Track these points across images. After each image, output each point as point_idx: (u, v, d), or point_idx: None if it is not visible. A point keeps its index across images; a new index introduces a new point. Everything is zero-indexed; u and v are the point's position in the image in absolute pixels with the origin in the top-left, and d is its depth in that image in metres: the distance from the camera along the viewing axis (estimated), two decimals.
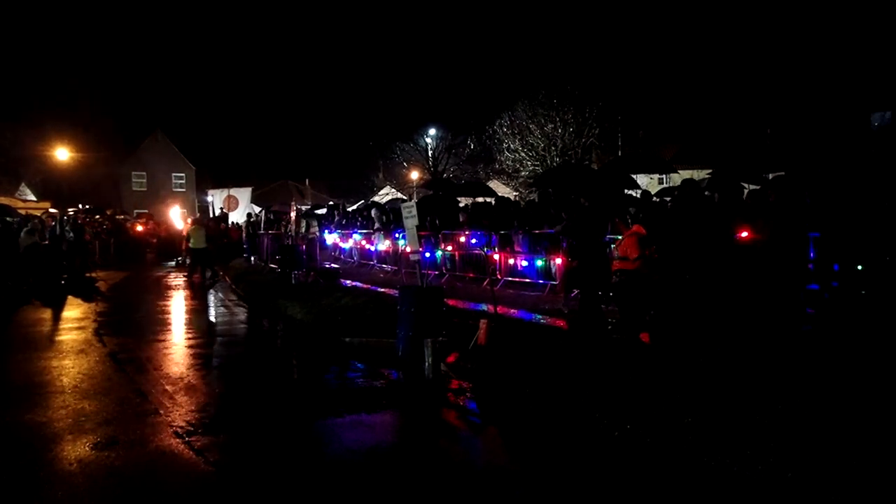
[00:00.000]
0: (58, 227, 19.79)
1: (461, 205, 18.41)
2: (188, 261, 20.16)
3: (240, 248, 25.25)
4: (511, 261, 13.01)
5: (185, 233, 20.94)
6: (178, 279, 19.73)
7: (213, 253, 19.64)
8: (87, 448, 5.26)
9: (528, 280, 12.54)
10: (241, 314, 13.33)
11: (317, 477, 4.86)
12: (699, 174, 22.85)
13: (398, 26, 71.77)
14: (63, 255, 17.98)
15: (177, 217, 27.92)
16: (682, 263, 7.46)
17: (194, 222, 20.89)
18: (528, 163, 36.53)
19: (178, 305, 14.70)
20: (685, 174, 21.84)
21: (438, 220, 15.52)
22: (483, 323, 7.90)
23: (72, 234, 19.88)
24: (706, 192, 9.82)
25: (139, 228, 31.32)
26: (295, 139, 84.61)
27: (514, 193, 35.11)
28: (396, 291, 9.29)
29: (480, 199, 20.91)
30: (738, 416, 5.04)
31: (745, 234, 7.57)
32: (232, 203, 31.97)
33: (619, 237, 8.35)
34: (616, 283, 8.17)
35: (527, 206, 16.07)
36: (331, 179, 53.51)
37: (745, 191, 10.88)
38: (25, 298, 14.67)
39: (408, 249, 11.61)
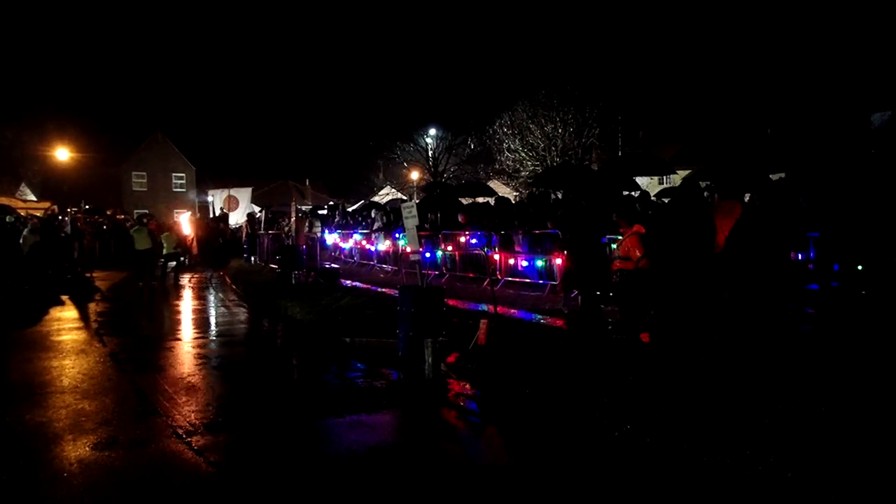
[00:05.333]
0: (59, 226, 19.77)
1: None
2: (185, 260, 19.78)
3: (240, 248, 25.26)
4: (511, 261, 13.01)
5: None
6: (177, 280, 19.71)
7: (154, 257, 18.15)
8: (87, 448, 5.26)
9: (528, 280, 12.53)
10: (242, 314, 13.33)
11: (317, 477, 4.86)
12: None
13: (398, 26, 71.79)
14: (64, 255, 17.96)
15: (185, 222, 27.86)
16: (677, 262, 7.41)
17: (137, 222, 20.18)
18: (528, 163, 36.54)
19: (177, 305, 14.70)
20: (685, 174, 21.78)
21: (439, 220, 15.51)
22: (483, 323, 7.89)
23: (76, 233, 19.87)
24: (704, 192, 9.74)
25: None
26: (295, 139, 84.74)
27: (514, 193, 35.13)
28: (396, 291, 9.29)
29: (481, 199, 20.94)
30: (738, 416, 5.04)
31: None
32: (232, 203, 32.07)
33: (620, 237, 8.34)
34: (616, 283, 8.16)
35: (529, 201, 15.96)
36: (331, 179, 53.57)
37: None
38: (26, 298, 14.68)
39: (408, 249, 11.61)
